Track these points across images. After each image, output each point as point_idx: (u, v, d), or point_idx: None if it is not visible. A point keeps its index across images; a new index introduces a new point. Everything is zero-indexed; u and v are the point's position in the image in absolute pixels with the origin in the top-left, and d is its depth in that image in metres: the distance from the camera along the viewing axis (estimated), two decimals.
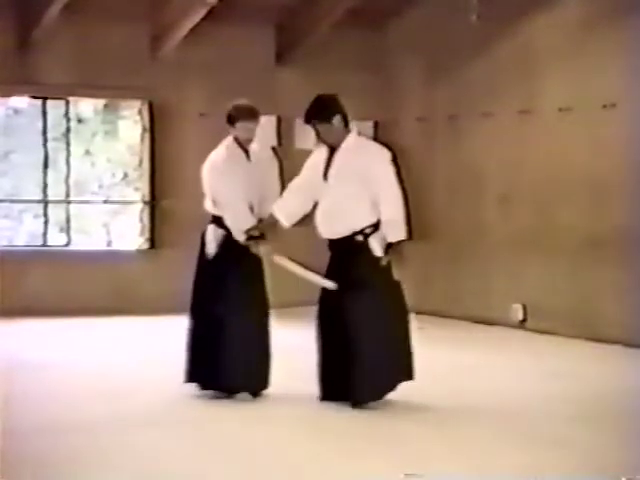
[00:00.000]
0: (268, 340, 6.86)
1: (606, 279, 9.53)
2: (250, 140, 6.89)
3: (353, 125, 6.65)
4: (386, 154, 6.49)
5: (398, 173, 6.46)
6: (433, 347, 9.11)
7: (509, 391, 7.18)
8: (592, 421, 6.18)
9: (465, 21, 10.25)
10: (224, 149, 6.86)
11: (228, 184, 6.71)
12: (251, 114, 6.84)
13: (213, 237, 6.78)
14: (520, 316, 10.49)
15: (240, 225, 6.65)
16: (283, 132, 12.19)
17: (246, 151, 6.90)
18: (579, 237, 9.82)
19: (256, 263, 6.78)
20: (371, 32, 12.34)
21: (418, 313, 11.36)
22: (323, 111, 6.51)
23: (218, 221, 6.78)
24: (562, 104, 10.02)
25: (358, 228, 6.42)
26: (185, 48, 11.53)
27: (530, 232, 10.42)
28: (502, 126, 10.78)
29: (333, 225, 6.48)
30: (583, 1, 9.93)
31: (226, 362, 6.67)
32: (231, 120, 6.84)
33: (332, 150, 6.55)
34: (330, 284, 6.44)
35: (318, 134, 6.55)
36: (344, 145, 6.52)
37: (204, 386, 6.85)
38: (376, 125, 12.50)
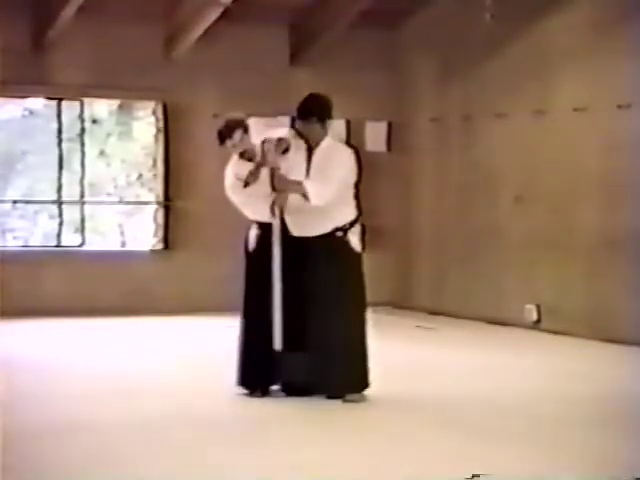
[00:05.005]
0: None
1: (621, 279, 9.49)
2: (250, 148, 6.83)
3: (330, 127, 6.83)
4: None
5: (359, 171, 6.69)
6: (447, 348, 9.10)
7: (523, 392, 7.16)
8: (607, 423, 6.15)
9: (479, 21, 10.24)
10: (229, 170, 6.89)
11: (240, 197, 6.82)
12: (236, 127, 6.76)
13: (251, 235, 6.89)
14: (534, 317, 10.46)
15: (263, 215, 6.74)
16: None
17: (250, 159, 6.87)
18: (594, 237, 9.79)
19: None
20: (385, 32, 12.33)
21: (432, 313, 11.43)
22: (307, 110, 6.74)
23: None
24: (577, 104, 9.98)
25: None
26: (199, 49, 11.54)
27: (544, 232, 10.38)
28: (516, 126, 10.75)
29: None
30: (598, 1, 9.90)
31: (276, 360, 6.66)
32: (223, 138, 6.76)
33: (310, 149, 6.76)
34: None
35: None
36: (323, 144, 6.72)
37: (262, 388, 6.80)
38: (390, 125, 12.48)
